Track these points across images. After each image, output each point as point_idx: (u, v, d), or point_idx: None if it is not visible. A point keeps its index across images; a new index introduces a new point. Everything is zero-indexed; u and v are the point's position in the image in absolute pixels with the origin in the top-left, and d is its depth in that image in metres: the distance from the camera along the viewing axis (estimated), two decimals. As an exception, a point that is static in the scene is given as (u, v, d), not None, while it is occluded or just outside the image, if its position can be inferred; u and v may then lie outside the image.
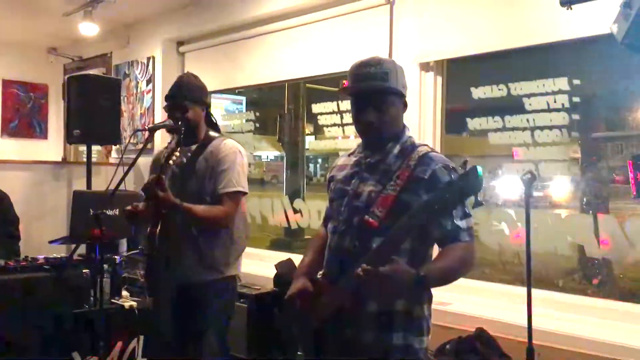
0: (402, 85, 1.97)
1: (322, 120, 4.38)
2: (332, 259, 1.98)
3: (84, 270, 3.71)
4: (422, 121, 3.62)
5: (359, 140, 2.08)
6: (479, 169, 1.57)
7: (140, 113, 5.73)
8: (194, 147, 2.82)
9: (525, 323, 2.46)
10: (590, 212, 4.03)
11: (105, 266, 3.64)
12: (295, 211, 4.60)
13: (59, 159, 6.92)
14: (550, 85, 3.14)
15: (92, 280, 3.59)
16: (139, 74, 5.74)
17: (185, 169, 2.78)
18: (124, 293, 3.82)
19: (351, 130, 4.09)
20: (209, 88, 3.17)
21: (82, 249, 4.07)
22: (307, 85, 5.76)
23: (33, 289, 3.51)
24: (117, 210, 3.67)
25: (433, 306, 1.98)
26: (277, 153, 10.35)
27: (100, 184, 5.03)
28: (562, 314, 3.01)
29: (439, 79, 3.65)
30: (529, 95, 3.22)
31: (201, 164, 2.78)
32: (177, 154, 2.70)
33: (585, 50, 3.36)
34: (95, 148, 6.09)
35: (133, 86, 5.81)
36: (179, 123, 2.77)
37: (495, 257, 4.83)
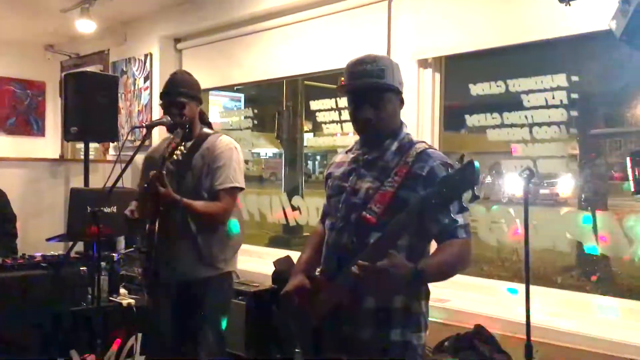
0: (399, 82, 1.97)
1: (320, 117, 4.37)
2: (330, 256, 1.98)
3: (81, 268, 3.69)
4: (420, 118, 3.61)
5: (357, 137, 2.08)
6: (476, 163, 1.57)
7: (138, 110, 5.71)
8: (189, 143, 2.82)
9: (523, 320, 2.46)
10: (589, 208, 4.03)
11: (103, 264, 3.63)
12: (294, 208, 4.60)
13: (57, 156, 6.91)
14: (549, 82, 3.14)
15: (90, 278, 3.57)
16: (137, 71, 5.72)
17: (181, 166, 2.78)
18: (122, 291, 3.82)
19: (349, 127, 4.07)
20: (207, 85, 3.17)
21: (79, 246, 4.06)
22: (306, 82, 5.75)
23: (30, 286, 3.50)
24: (115, 207, 3.67)
25: (431, 303, 1.98)
26: (275, 150, 10.35)
27: (97, 181, 5.02)
28: (560, 311, 3.02)
29: (437, 75, 3.65)
30: (527, 92, 3.21)
31: (197, 161, 2.79)
32: (183, 148, 2.71)
33: (583, 46, 3.35)
34: (93, 145, 6.08)
35: (130, 83, 5.80)
36: (176, 119, 2.77)
37: (493, 254, 4.84)
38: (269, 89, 7.30)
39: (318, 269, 2.06)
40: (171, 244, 2.75)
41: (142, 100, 5.67)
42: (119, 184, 2.78)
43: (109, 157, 6.06)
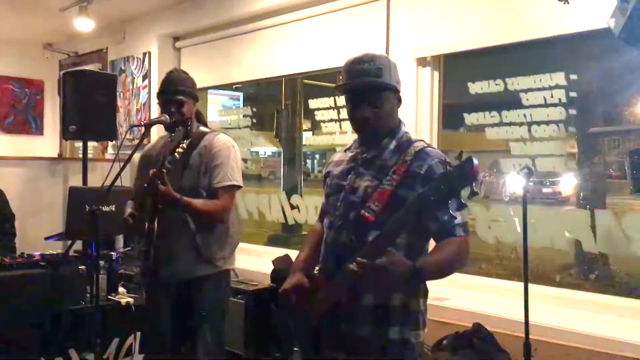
0: (396, 80, 1.97)
1: (319, 115, 4.37)
2: (329, 254, 1.98)
3: (80, 267, 3.70)
4: (419, 116, 3.61)
5: (356, 136, 2.08)
6: (474, 159, 1.57)
7: (137, 109, 5.71)
8: (186, 142, 2.82)
9: (522, 318, 2.46)
10: (588, 207, 4.03)
11: (102, 262, 3.63)
12: (293, 207, 4.60)
13: (55, 155, 6.90)
14: (547, 80, 3.14)
15: (89, 277, 3.58)
16: (135, 69, 5.72)
17: (178, 164, 2.78)
18: (121, 289, 3.82)
19: (348, 125, 4.04)
20: (205, 84, 3.17)
21: (78, 245, 4.06)
22: (304, 81, 5.75)
23: (29, 285, 3.50)
24: (114, 206, 3.66)
25: (430, 301, 1.98)
26: (274, 149, 10.33)
27: (96, 180, 5.01)
28: (559, 309, 3.02)
29: (436, 74, 3.64)
30: (525, 90, 3.22)
31: (195, 159, 2.79)
32: (184, 146, 2.71)
33: (582, 44, 3.35)
34: (91, 144, 6.06)
35: (129, 82, 5.79)
36: (175, 117, 2.77)
37: (492, 252, 4.84)
38: (268, 88, 7.30)
39: (317, 268, 2.06)
40: (170, 243, 2.75)
41: (140, 99, 5.66)
42: (118, 183, 2.77)
43: (107, 156, 6.06)
